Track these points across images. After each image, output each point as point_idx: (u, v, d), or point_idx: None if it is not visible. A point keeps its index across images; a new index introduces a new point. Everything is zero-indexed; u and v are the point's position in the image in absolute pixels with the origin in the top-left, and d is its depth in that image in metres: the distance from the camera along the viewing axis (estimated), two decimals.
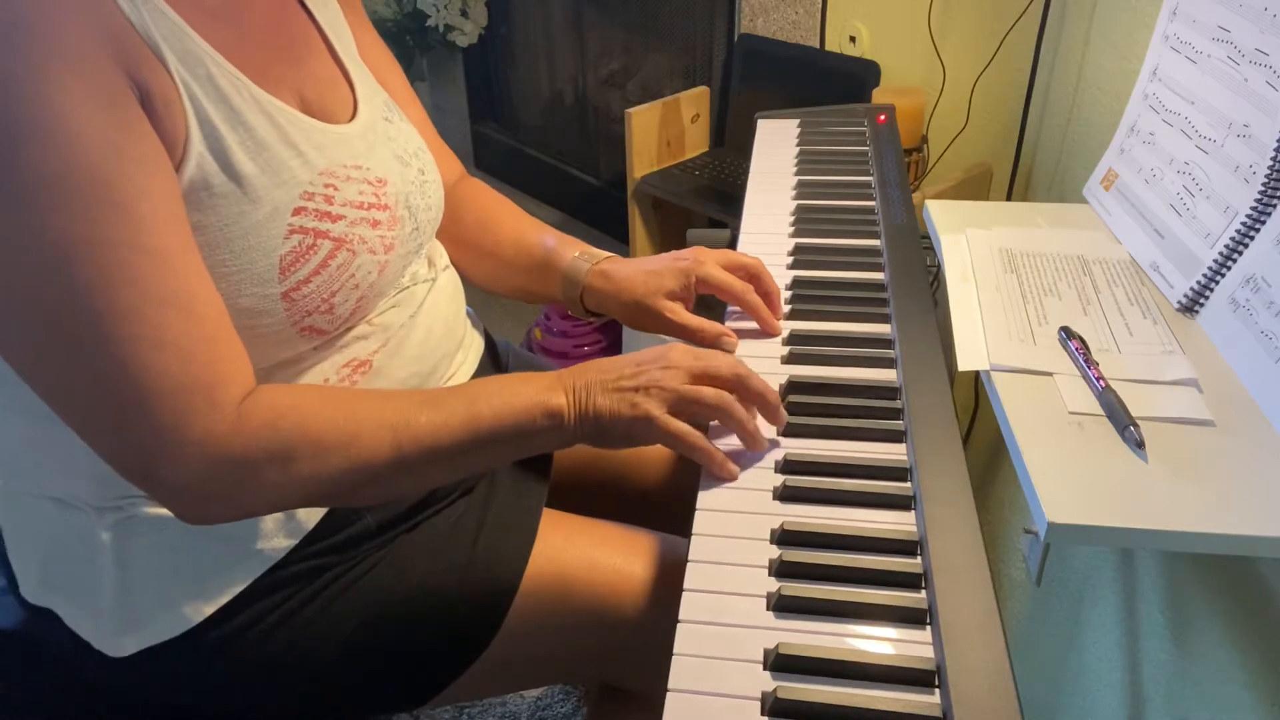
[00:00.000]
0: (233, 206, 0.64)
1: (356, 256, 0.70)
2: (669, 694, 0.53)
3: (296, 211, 0.67)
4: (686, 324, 0.86)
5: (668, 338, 0.87)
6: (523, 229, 0.95)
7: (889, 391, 0.76)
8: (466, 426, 0.66)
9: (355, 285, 0.71)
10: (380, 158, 0.75)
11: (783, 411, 0.72)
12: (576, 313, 0.92)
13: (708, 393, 0.69)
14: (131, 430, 0.58)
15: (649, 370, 0.70)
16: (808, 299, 0.90)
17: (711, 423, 0.73)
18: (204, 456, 0.59)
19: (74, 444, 0.61)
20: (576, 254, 0.91)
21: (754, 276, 0.87)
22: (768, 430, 0.72)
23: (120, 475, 0.61)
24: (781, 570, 0.61)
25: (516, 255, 0.93)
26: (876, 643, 0.56)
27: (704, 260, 0.87)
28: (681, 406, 0.69)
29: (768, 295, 0.87)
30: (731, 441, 0.72)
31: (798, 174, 1.15)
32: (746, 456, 0.71)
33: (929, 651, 0.55)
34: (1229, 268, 0.79)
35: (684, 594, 0.60)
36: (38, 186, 0.54)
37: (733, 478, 0.68)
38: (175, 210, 0.60)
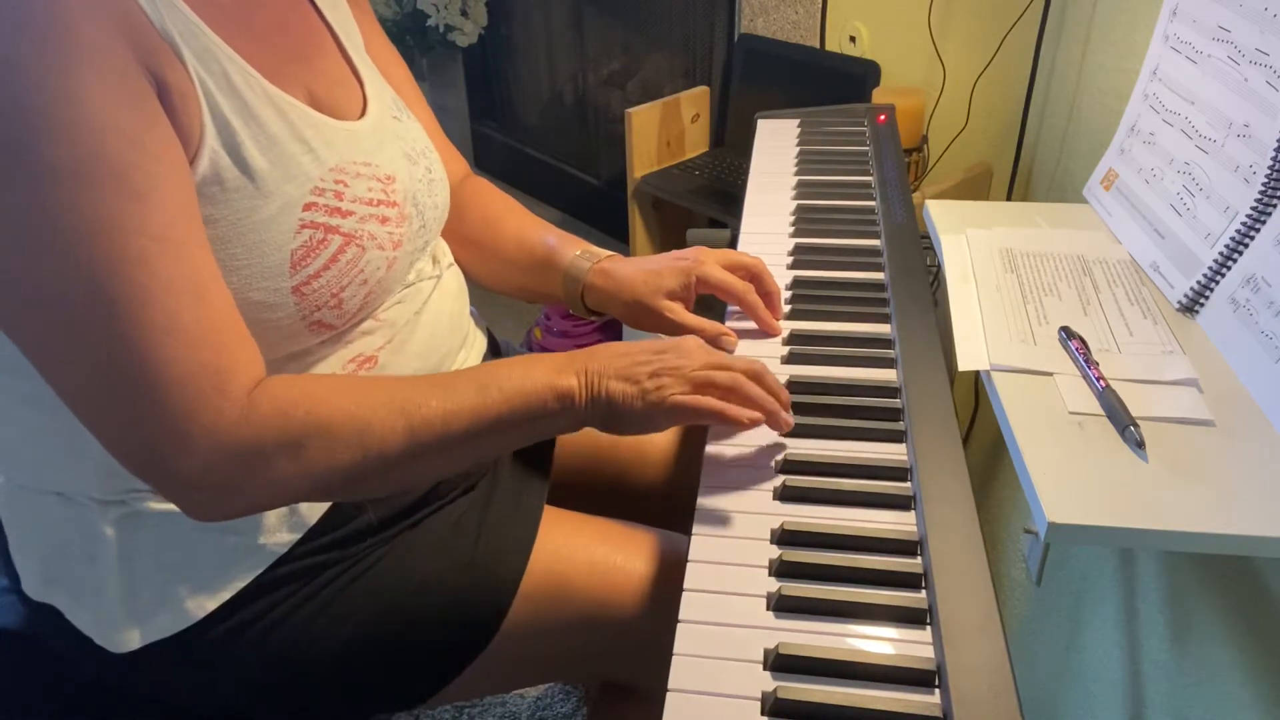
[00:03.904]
0: (245, 201, 0.64)
1: (366, 252, 0.70)
2: (669, 694, 0.53)
3: (307, 207, 0.67)
4: (686, 323, 0.86)
5: (668, 338, 0.87)
6: (524, 227, 0.95)
7: (889, 391, 0.76)
8: (477, 410, 0.66)
9: (364, 281, 0.71)
10: (389, 155, 0.76)
11: (787, 416, 0.71)
12: (577, 311, 0.92)
13: (720, 375, 0.69)
14: (141, 419, 0.58)
15: (663, 358, 0.70)
16: (808, 299, 0.90)
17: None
18: (213, 446, 0.59)
19: (79, 436, 0.61)
20: (578, 252, 0.91)
21: (755, 276, 0.88)
22: (772, 435, 0.72)
23: (128, 470, 0.61)
24: (781, 570, 0.61)
25: (518, 253, 0.93)
26: (876, 643, 0.56)
27: (705, 260, 0.88)
28: (694, 390, 0.69)
29: (768, 295, 0.87)
30: (742, 439, 0.72)
31: (798, 174, 1.15)
32: (752, 456, 0.71)
33: (929, 651, 0.55)
34: (1229, 268, 0.79)
35: (684, 594, 0.60)
36: (56, 176, 0.54)
37: (756, 423, 0.69)
38: (188, 202, 0.60)
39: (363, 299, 0.71)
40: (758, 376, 0.71)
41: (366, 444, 0.63)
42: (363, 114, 0.76)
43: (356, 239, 0.70)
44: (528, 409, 0.67)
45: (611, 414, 0.69)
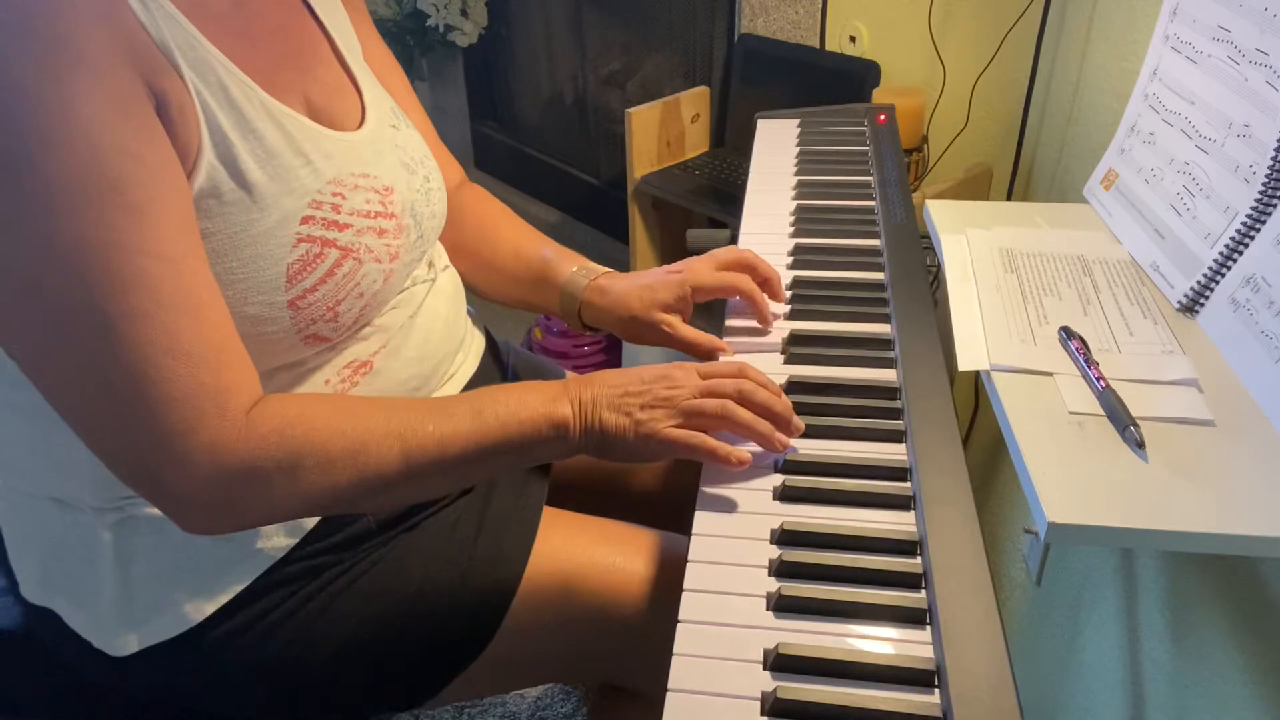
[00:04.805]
0: (242, 215, 0.63)
1: (362, 265, 0.70)
2: (669, 694, 0.53)
3: (305, 220, 0.67)
4: (684, 337, 0.86)
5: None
6: (521, 240, 0.95)
7: (889, 391, 0.76)
8: (473, 436, 0.66)
9: (360, 294, 0.71)
10: (387, 165, 0.75)
11: (796, 421, 0.71)
12: (574, 327, 0.92)
13: (710, 404, 0.69)
14: (140, 436, 0.58)
15: (654, 389, 0.70)
16: (808, 299, 0.90)
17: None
18: (211, 465, 0.59)
19: (76, 445, 0.60)
20: (574, 269, 0.91)
21: (748, 267, 0.88)
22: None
23: (124, 483, 0.61)
24: (781, 570, 0.61)
25: (515, 266, 0.93)
26: (876, 643, 0.56)
27: (696, 268, 0.88)
28: (685, 422, 0.69)
29: (767, 282, 0.88)
30: (742, 439, 0.72)
31: (798, 174, 1.15)
32: (752, 456, 0.71)
33: (929, 651, 0.55)
34: (1229, 268, 0.79)
35: (684, 594, 0.60)
36: (55, 191, 0.54)
37: (744, 465, 0.68)
38: (187, 217, 0.60)
39: (359, 312, 0.71)
40: (747, 398, 0.70)
41: (362, 466, 0.63)
42: (361, 123, 0.76)
43: (353, 252, 0.70)
44: (522, 436, 0.68)
45: (605, 444, 0.70)
